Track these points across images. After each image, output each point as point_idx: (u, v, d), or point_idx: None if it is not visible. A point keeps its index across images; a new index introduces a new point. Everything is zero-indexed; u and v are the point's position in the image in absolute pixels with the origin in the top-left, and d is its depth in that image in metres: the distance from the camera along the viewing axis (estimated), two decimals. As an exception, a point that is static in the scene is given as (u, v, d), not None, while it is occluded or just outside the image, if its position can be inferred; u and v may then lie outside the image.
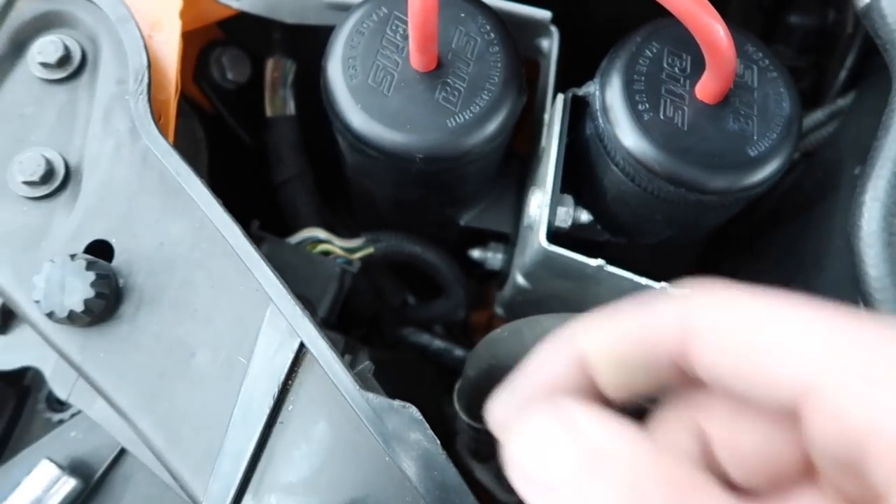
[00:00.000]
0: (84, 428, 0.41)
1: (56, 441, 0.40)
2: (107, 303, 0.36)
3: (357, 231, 0.57)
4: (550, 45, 0.52)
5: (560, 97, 0.46)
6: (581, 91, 0.46)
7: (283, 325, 0.35)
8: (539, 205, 0.44)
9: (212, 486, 0.33)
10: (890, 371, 0.19)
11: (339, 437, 0.33)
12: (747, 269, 0.59)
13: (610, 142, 0.43)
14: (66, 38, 0.41)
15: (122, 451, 0.39)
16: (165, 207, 0.37)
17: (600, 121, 0.44)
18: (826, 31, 0.58)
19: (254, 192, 0.58)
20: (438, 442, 0.32)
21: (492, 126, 0.43)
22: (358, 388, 0.33)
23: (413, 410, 0.33)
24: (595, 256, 0.44)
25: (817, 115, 0.53)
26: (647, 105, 0.43)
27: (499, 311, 0.61)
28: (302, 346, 0.34)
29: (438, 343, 0.60)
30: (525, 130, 0.56)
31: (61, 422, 0.42)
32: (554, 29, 0.51)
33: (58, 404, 0.45)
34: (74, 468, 0.39)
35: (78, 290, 0.35)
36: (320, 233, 0.52)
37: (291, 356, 0.34)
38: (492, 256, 0.57)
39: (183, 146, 0.46)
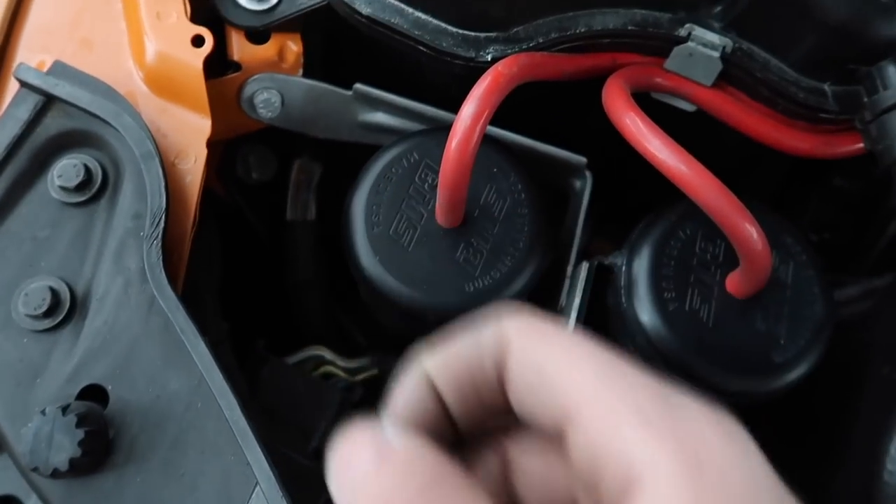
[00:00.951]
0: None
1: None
2: (94, 457, 0.35)
3: (366, 337, 0.56)
4: (583, 187, 0.50)
5: (584, 266, 0.44)
6: (607, 261, 0.44)
7: (267, 512, 0.33)
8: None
9: None
10: (631, 404, 0.22)
11: None
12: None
13: (630, 322, 0.42)
14: (89, 159, 0.40)
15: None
16: (166, 360, 0.37)
17: (622, 298, 0.42)
18: (870, 196, 0.56)
19: (267, 292, 0.58)
20: None
21: (510, 292, 0.42)
22: None
23: None
24: None
25: (850, 290, 0.51)
26: (674, 294, 0.41)
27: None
28: (281, 543, 0.33)
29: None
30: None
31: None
32: (588, 174, 0.49)
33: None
34: None
35: (65, 448, 0.34)
36: (324, 352, 0.51)
37: (272, 549, 0.33)
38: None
39: (196, 265, 0.45)
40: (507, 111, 0.43)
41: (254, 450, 0.34)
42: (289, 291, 0.57)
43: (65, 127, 0.40)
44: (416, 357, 0.26)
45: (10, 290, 0.38)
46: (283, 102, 0.48)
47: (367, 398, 0.52)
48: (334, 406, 0.50)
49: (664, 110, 0.45)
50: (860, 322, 0.52)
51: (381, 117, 0.49)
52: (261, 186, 0.56)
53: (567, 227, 0.52)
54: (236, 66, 0.46)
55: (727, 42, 0.42)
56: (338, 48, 0.52)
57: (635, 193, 0.50)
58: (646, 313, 0.41)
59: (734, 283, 0.41)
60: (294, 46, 0.47)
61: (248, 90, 0.46)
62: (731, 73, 0.43)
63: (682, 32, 0.42)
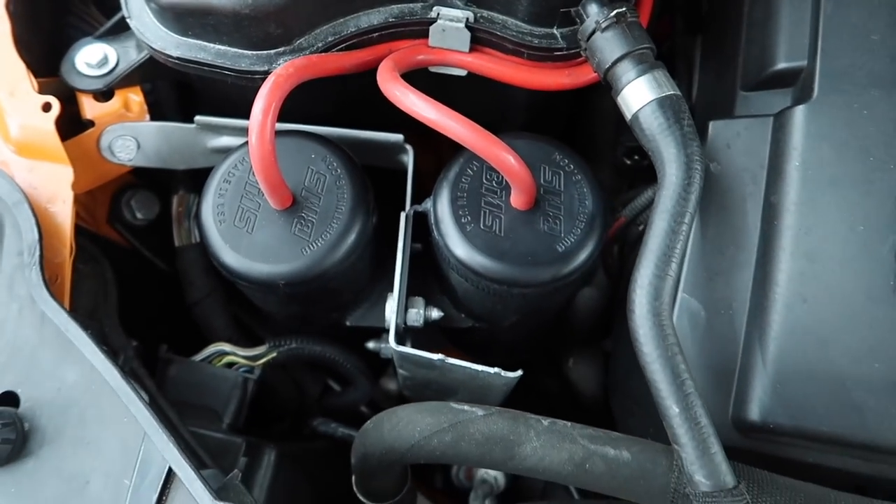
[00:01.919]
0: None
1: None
2: (14, 446, 0.43)
3: (271, 332, 0.64)
4: (408, 159, 0.60)
5: (403, 214, 0.54)
6: (421, 207, 0.54)
7: (155, 453, 0.41)
8: (391, 310, 0.52)
9: None
10: None
11: (203, 542, 0.39)
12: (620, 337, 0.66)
13: (444, 250, 0.51)
14: (-24, 220, 0.49)
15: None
16: (60, 358, 0.45)
17: (435, 232, 0.51)
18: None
19: (171, 311, 0.66)
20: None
21: (342, 249, 0.51)
22: (213, 499, 0.39)
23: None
24: (464, 340, 0.51)
25: (648, 193, 0.61)
26: (470, 217, 0.50)
27: (405, 393, 0.68)
28: (170, 469, 0.41)
29: (343, 430, 0.66)
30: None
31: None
32: (409, 147, 0.59)
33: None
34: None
35: (-14, 440, 0.42)
36: (225, 346, 0.60)
37: (163, 476, 0.41)
38: (385, 347, 0.63)
39: (88, 292, 0.54)
40: (343, 114, 0.53)
41: (137, 408, 0.43)
42: (191, 310, 0.65)
43: (-50, 199, 0.49)
44: None
45: (-73, 335, 0.46)
46: (138, 145, 0.57)
47: (270, 380, 0.61)
48: (239, 387, 0.58)
49: (446, 81, 0.55)
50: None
51: (225, 140, 0.58)
52: (148, 225, 0.65)
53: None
54: (90, 123, 0.56)
55: (469, 14, 0.52)
56: (186, 92, 0.62)
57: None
58: (451, 238, 0.50)
59: (514, 199, 0.50)
60: (136, 97, 0.56)
61: (104, 140, 0.56)
62: (481, 38, 0.53)
63: (433, 14, 0.52)
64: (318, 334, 0.64)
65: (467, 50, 0.53)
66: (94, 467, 0.43)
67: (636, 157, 0.70)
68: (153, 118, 0.58)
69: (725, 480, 0.41)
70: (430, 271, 0.56)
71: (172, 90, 0.62)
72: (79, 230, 0.53)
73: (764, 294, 0.47)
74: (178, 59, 0.51)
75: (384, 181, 0.58)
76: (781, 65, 0.51)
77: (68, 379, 0.45)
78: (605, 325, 0.74)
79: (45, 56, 0.56)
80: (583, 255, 0.50)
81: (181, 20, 0.50)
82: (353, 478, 0.55)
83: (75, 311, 0.49)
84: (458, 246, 0.50)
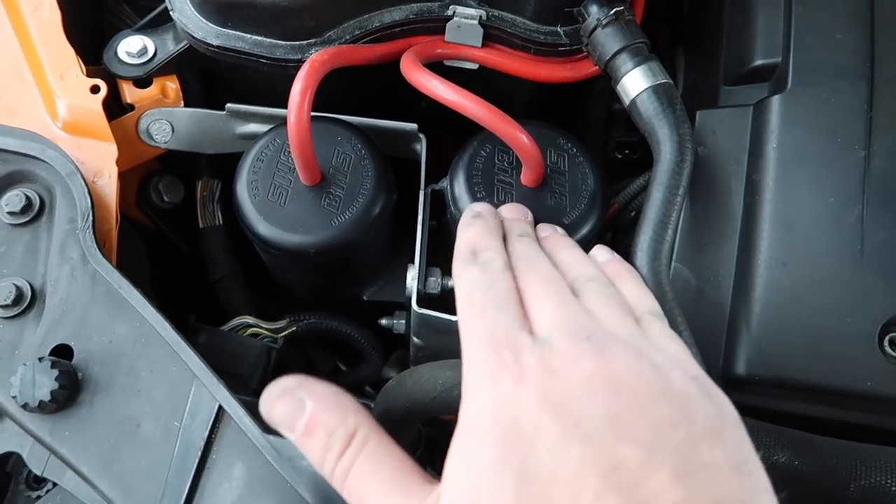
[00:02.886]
0: (58, 499, 0.50)
1: (37, 512, 0.50)
2: (69, 392, 0.46)
3: (285, 312, 0.68)
4: (421, 147, 0.65)
5: (422, 193, 0.59)
6: (438, 186, 0.59)
7: (205, 394, 0.45)
8: (412, 277, 0.56)
9: (158, 524, 0.43)
10: None
11: (252, 472, 0.43)
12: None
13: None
14: (28, 190, 0.53)
15: (91, 513, 0.49)
16: (112, 314, 0.49)
17: (452, 207, 0.56)
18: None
19: (194, 290, 0.70)
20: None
21: (367, 221, 0.55)
22: (261, 432, 0.43)
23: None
24: None
25: (639, 181, 0.67)
26: (484, 193, 0.55)
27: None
28: (220, 407, 0.45)
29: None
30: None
31: (39, 497, 0.52)
32: (422, 136, 0.64)
33: (35, 483, 0.54)
34: (52, 532, 0.48)
35: (46, 384, 0.45)
36: (249, 319, 0.64)
37: (213, 416, 0.45)
38: (397, 323, 0.68)
39: (126, 263, 0.57)
40: (363, 105, 0.58)
41: (188, 355, 0.47)
42: (213, 286, 0.69)
43: (4, 171, 0.53)
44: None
45: (-18, 294, 0.50)
46: (173, 129, 0.61)
47: (288, 349, 0.65)
48: (264, 355, 0.62)
49: (458, 74, 0.61)
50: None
51: (252, 126, 0.63)
52: (174, 208, 0.69)
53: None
54: (130, 108, 0.60)
55: (482, 13, 0.58)
56: (212, 81, 0.67)
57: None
58: (467, 211, 0.55)
59: (524, 177, 0.55)
60: (172, 85, 0.61)
61: (143, 123, 0.60)
62: (492, 34, 0.59)
63: (449, 12, 0.58)
64: (334, 311, 0.68)
65: (480, 45, 0.59)
66: (145, 412, 0.46)
67: (626, 152, 0.76)
68: (183, 105, 0.62)
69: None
70: (443, 247, 0.61)
71: (196, 81, 0.67)
72: (116, 206, 0.57)
73: (747, 261, 0.52)
74: (217, 47, 0.56)
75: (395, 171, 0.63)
76: (759, 61, 0.57)
77: (119, 332, 0.48)
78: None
79: (85, 44, 0.61)
80: (586, 228, 0.55)
81: (221, 12, 0.55)
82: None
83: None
84: (473, 218, 0.55)
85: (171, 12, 0.57)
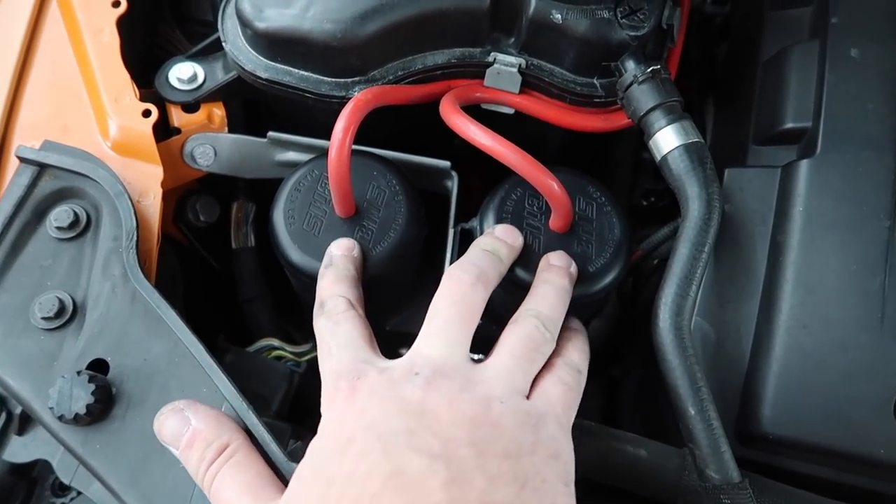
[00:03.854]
0: (82, 508, 0.52)
1: (60, 520, 0.51)
2: (103, 407, 0.48)
3: (309, 336, 0.69)
4: (452, 185, 0.66)
5: (451, 232, 0.60)
6: (467, 225, 0.60)
7: (234, 417, 0.47)
8: (437, 314, 0.57)
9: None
10: None
11: (275, 498, 0.44)
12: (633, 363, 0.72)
13: (488, 264, 0.57)
14: (76, 206, 0.55)
15: (113, 524, 0.50)
16: (149, 332, 0.50)
17: (480, 248, 0.58)
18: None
19: (224, 309, 0.72)
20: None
21: (397, 255, 0.57)
22: (286, 459, 0.45)
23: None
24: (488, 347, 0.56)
25: (664, 230, 0.68)
26: (513, 236, 0.57)
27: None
28: (247, 430, 0.46)
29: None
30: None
31: (63, 504, 0.53)
32: (454, 174, 0.66)
33: (60, 490, 0.55)
34: (74, 540, 0.50)
35: (82, 398, 0.47)
36: (274, 341, 0.65)
37: (240, 440, 0.46)
38: (417, 353, 0.69)
39: (163, 280, 0.59)
40: (398, 137, 0.60)
41: (220, 378, 0.48)
42: (241, 307, 0.71)
43: (55, 186, 0.55)
44: None
45: (27, 304, 0.52)
46: (216, 153, 0.63)
47: (310, 373, 0.66)
48: (286, 378, 0.63)
49: (493, 117, 0.63)
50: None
51: (291, 155, 0.65)
52: (209, 227, 0.71)
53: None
54: (177, 131, 0.62)
55: (522, 61, 0.59)
56: (255, 109, 0.69)
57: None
58: (495, 254, 0.56)
59: (553, 222, 0.57)
60: (218, 111, 0.63)
61: (188, 147, 0.62)
62: (530, 82, 0.61)
63: (490, 59, 0.60)
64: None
65: (517, 91, 0.61)
66: (174, 430, 0.48)
67: (652, 199, 0.77)
68: (224, 131, 0.64)
69: (733, 476, 0.47)
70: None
71: (240, 108, 0.69)
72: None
73: (768, 320, 0.53)
74: (266, 80, 0.58)
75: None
76: (789, 124, 0.59)
77: (154, 350, 0.50)
78: (609, 354, 0.80)
79: (138, 69, 0.63)
80: (610, 276, 0.56)
81: (273, 47, 0.58)
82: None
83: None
84: (501, 260, 0.56)
85: (223, 43, 0.59)
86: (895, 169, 0.54)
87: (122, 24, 0.61)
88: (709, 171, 0.53)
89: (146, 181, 0.57)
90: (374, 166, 0.60)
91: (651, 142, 0.55)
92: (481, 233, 0.58)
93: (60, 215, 0.54)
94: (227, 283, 0.71)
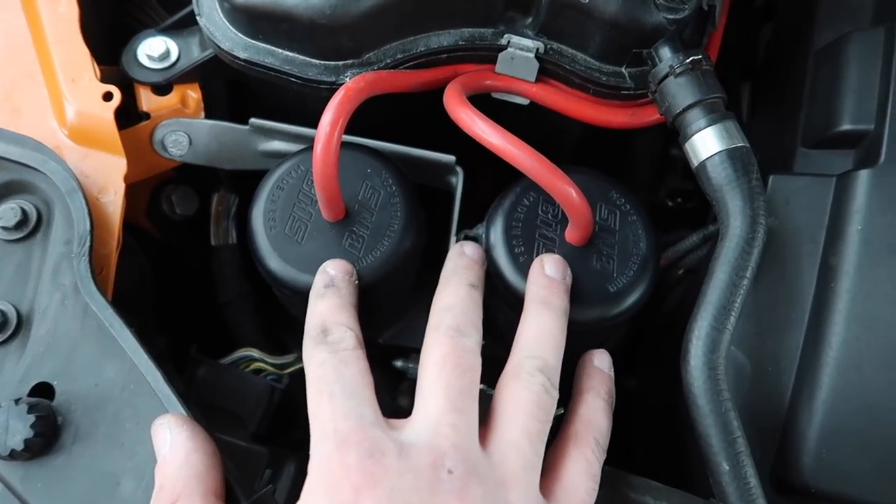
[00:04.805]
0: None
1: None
2: (45, 439, 0.42)
3: (298, 340, 0.63)
4: (457, 181, 0.59)
5: (453, 238, 0.53)
6: (472, 232, 0.53)
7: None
8: (434, 333, 0.51)
9: None
10: None
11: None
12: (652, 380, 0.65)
13: (493, 276, 0.50)
14: (25, 202, 0.48)
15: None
16: (101, 353, 0.44)
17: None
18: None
19: (201, 313, 0.65)
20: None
21: (389, 267, 0.50)
22: (249, 512, 0.38)
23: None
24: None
25: (693, 238, 0.61)
26: (523, 248, 0.50)
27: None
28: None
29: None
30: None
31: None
32: (459, 169, 0.58)
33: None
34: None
35: (19, 431, 0.41)
36: (253, 352, 0.59)
37: (199, 486, 0.40)
38: (412, 367, 0.63)
39: (128, 284, 0.53)
40: (401, 130, 0.53)
41: (177, 409, 0.42)
42: (221, 309, 0.64)
43: (2, 179, 0.48)
44: None
45: (-36, 316, 0.45)
46: (190, 142, 0.56)
47: (293, 387, 0.60)
48: (266, 395, 0.57)
49: (505, 109, 0.55)
50: (705, 262, 0.61)
51: (276, 144, 0.58)
52: (186, 221, 0.64)
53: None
54: (146, 116, 0.55)
55: (539, 45, 0.52)
56: (238, 92, 0.62)
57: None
58: (503, 267, 0.49)
59: (569, 233, 0.50)
60: (194, 94, 0.56)
61: (158, 134, 0.55)
62: (548, 69, 0.53)
63: (503, 41, 0.52)
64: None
65: (533, 80, 0.53)
66: (127, 469, 0.42)
67: (679, 200, 0.70)
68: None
69: (770, 544, 0.40)
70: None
71: (223, 89, 0.62)
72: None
73: (815, 356, 0.46)
74: (244, 61, 0.51)
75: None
76: (846, 126, 0.51)
77: (107, 375, 0.44)
78: (621, 366, 0.73)
79: (104, 43, 0.56)
80: (633, 298, 0.49)
81: (253, 23, 0.50)
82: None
83: (116, 304, 0.48)
84: (510, 275, 0.49)
85: (197, 17, 0.52)
86: (973, 184, 0.46)
87: (85, -10, 0.53)
88: (754, 182, 0.46)
89: (107, 174, 0.50)
90: (368, 162, 0.52)
91: (687, 144, 0.48)
92: (487, 241, 0.51)
93: (6, 213, 0.47)
94: (205, 284, 0.64)
